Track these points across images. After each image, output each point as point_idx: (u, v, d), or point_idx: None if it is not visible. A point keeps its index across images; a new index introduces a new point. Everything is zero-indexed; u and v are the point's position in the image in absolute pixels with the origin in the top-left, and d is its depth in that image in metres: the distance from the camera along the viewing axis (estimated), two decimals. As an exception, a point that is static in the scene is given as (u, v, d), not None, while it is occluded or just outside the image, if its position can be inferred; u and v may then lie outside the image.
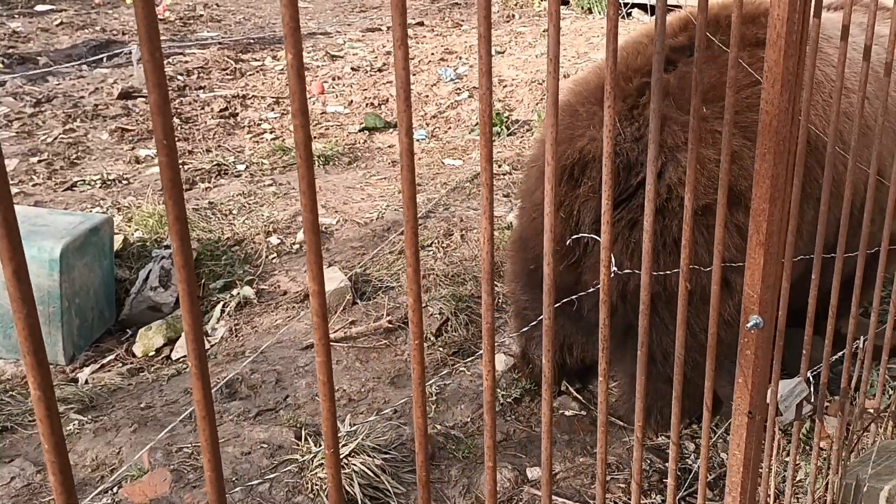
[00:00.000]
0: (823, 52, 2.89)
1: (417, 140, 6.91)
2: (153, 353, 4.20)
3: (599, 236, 2.66)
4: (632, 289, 2.62)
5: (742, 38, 2.64)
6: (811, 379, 2.59)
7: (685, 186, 2.63)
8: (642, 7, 11.43)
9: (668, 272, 2.55)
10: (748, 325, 1.97)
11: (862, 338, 2.51)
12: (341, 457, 2.94)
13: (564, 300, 2.54)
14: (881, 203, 2.66)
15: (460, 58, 9.37)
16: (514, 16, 11.80)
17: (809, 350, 2.36)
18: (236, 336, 4.17)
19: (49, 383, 0.78)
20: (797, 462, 3.03)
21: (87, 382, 3.94)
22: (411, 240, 1.14)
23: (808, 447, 3.23)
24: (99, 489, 2.89)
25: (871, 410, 3.45)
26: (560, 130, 2.84)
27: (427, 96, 7.93)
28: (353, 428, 3.11)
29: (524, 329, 3.10)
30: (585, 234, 2.53)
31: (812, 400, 2.58)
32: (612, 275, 2.33)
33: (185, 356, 4.13)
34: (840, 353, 2.61)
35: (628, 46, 2.83)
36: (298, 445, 3.02)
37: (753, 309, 1.98)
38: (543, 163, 2.91)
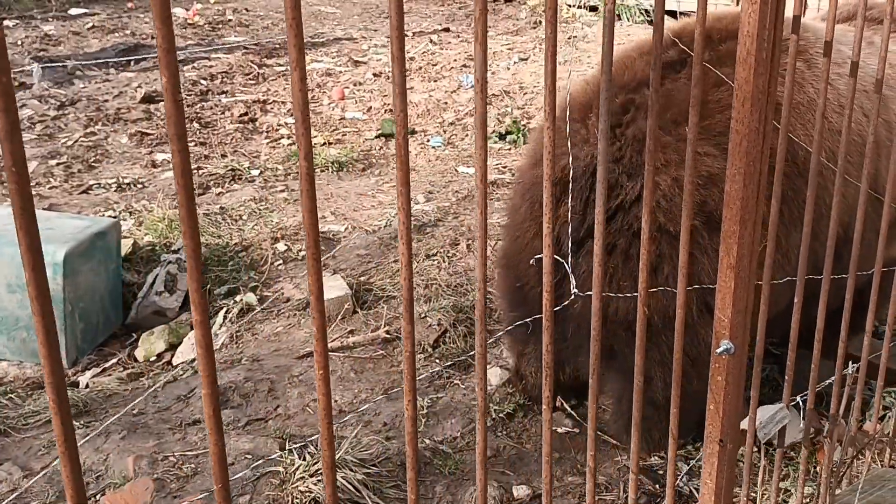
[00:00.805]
0: (820, 66, 2.80)
1: (433, 147, 6.88)
2: (154, 357, 4.23)
3: (577, 253, 2.60)
4: (612, 313, 2.56)
5: (729, 54, 2.58)
6: (801, 404, 2.52)
7: (663, 210, 2.57)
8: (671, 14, 11.29)
9: (629, 294, 2.48)
10: (718, 350, 1.91)
11: (851, 363, 2.42)
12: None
13: (519, 324, 2.49)
14: (877, 227, 2.57)
15: (483, 64, 9.33)
16: (540, 22, 11.73)
17: (792, 375, 2.28)
18: (236, 343, 4.18)
19: None
20: (787, 489, 2.95)
21: (87, 386, 3.97)
22: (314, 267, 1.10)
23: (807, 472, 3.14)
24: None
25: (871, 435, 3.34)
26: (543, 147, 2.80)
27: (446, 103, 7.91)
28: (338, 441, 3.08)
29: (509, 326, 3.05)
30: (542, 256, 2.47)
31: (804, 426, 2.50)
32: (573, 296, 2.29)
33: (185, 362, 4.15)
34: (830, 380, 2.53)
35: (616, 61, 2.77)
36: (282, 457, 3.00)
37: (724, 334, 1.92)
38: (528, 178, 2.86)
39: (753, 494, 2.69)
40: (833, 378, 2.55)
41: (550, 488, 1.61)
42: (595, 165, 2.54)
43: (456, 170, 6.37)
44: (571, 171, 2.53)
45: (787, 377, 2.28)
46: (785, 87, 1.95)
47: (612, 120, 2.58)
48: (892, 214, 2.87)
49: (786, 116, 1.98)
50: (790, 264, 2.62)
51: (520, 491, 3.07)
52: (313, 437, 3.17)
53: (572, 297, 2.22)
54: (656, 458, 3.26)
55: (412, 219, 5.31)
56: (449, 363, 3.83)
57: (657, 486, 3.08)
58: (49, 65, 9.11)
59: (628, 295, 2.49)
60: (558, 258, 2.35)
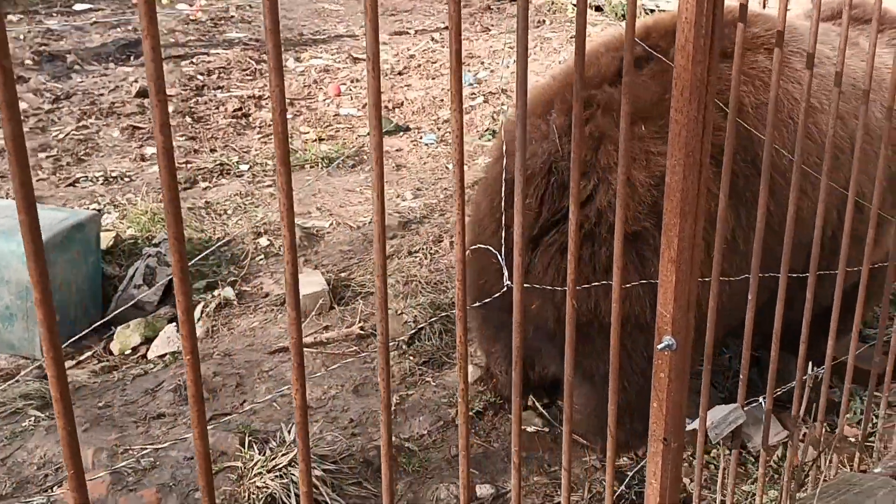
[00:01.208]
0: (791, 66, 2.74)
1: (426, 144, 6.85)
2: (129, 351, 4.20)
3: (532, 252, 2.56)
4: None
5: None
6: (762, 404, 2.46)
7: (615, 209, 2.52)
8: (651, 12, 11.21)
9: (556, 294, 2.44)
10: (659, 346, 1.87)
11: (811, 366, 2.37)
12: (282, 465, 2.88)
13: (444, 314, 2.44)
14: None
15: (482, 62, 9.29)
16: (544, 21, 11.69)
17: (746, 375, 2.23)
18: (212, 337, 4.15)
19: None
20: (753, 492, 2.89)
21: (60, 379, 3.95)
22: (181, 280, 1.06)
23: (776, 475, 3.09)
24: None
25: (851, 438, 3.28)
26: (508, 143, 2.75)
27: (442, 101, 7.86)
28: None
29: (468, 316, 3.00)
30: (482, 245, 2.43)
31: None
32: (505, 288, 2.24)
33: (160, 355, 4.12)
34: (790, 385, 2.47)
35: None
36: (241, 452, 2.97)
37: (666, 329, 1.87)
38: (490, 174, 2.82)
39: (714, 496, 2.64)
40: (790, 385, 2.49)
41: (468, 482, 1.57)
42: (551, 162, 2.50)
43: (447, 167, 6.33)
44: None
45: (741, 377, 2.23)
46: (732, 79, 1.90)
47: (570, 116, 2.53)
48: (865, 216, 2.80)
49: (734, 108, 1.92)
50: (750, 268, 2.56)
51: (483, 490, 3.03)
52: (275, 432, 3.13)
53: (504, 288, 2.18)
54: (625, 458, 3.22)
55: (397, 215, 5.27)
56: (423, 360, 3.79)
57: (623, 486, 3.03)
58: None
59: (558, 288, 2.44)
60: (492, 249, 2.30)
